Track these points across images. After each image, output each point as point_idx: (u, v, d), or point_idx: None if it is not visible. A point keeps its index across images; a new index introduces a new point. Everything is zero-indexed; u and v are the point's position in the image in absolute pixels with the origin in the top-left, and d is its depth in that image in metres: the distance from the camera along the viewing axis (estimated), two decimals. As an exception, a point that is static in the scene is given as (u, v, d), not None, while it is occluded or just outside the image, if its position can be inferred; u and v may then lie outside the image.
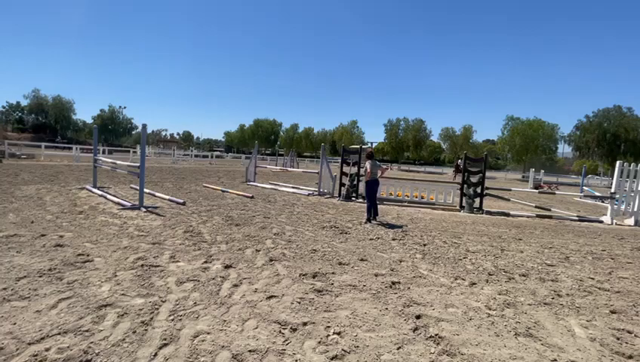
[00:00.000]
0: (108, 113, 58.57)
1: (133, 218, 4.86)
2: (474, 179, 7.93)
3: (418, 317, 2.30)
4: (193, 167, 20.14)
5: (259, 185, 10.72)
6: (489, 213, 7.70)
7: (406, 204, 8.50)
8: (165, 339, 1.84)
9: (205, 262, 3.15)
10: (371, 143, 23.44)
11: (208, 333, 1.94)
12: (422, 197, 8.77)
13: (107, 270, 2.79)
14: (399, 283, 2.94)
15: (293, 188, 10.29)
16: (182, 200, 6.37)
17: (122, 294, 2.36)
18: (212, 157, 31.74)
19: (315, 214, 6.19)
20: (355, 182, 8.63)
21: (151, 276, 2.71)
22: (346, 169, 8.77)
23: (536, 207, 9.42)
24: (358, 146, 9.27)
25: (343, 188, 8.63)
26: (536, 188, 16.23)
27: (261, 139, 66.41)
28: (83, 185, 7.84)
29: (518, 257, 4.07)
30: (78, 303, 2.17)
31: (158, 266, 2.95)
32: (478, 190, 7.85)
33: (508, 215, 7.63)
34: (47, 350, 1.67)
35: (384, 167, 6.53)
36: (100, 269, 2.80)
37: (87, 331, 1.87)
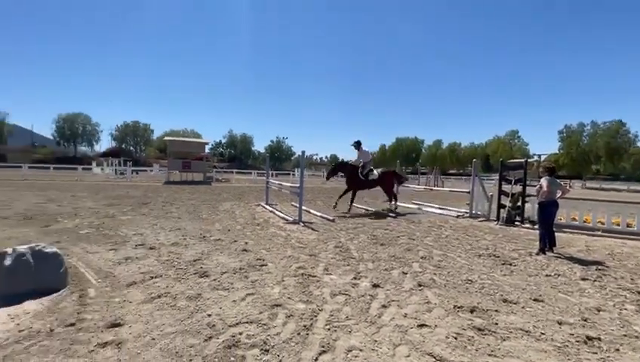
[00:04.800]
0: (275, 143, 71.81)
1: (294, 231, 5.66)
2: None
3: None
4: (340, 187, 21.83)
5: (401, 204, 10.53)
6: None
7: (599, 233, 6.46)
8: (323, 347, 2.01)
9: (354, 278, 3.30)
10: (539, 156, 19.30)
11: (361, 350, 1.99)
12: (628, 225, 6.47)
13: (277, 274, 3.33)
14: (599, 339, 2.21)
15: (439, 208, 9.59)
16: (332, 218, 6.96)
17: (288, 298, 2.74)
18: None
19: (468, 239, 5.52)
20: (520, 204, 7.24)
21: (309, 285, 3.05)
22: (505, 187, 7.51)
23: None
24: (522, 160, 7.78)
25: (502, 210, 7.39)
26: None
27: (402, 158, 65.70)
28: (259, 203, 9.75)
29: None
30: (258, 299, 2.67)
31: (314, 276, 3.29)
32: None
33: None
34: (240, 334, 2.11)
35: (565, 185, 5.21)
36: (272, 273, 3.36)
37: (264, 324, 2.26)
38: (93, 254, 3.81)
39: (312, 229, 5.86)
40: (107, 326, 2.13)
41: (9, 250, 2.54)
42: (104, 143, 62.90)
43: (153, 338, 2.01)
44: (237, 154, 68.40)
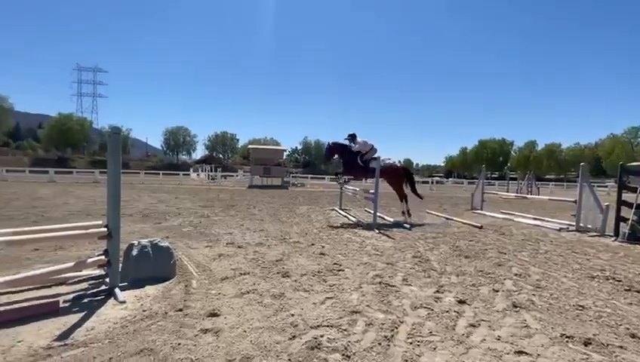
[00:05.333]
0: (347, 148, 72.55)
1: (369, 237, 5.60)
2: None
3: None
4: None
5: (487, 213, 9.54)
6: None
7: None
8: (407, 361, 1.93)
9: (437, 291, 3.10)
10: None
11: (448, 370, 1.86)
12: None
13: (354, 281, 3.33)
14: None
15: (534, 219, 8.39)
16: (408, 225, 6.68)
17: (367, 305, 2.72)
18: (432, 183, 31.69)
19: (575, 257, 4.70)
20: (649, 217, 5.87)
21: (388, 294, 2.98)
22: (628, 197, 6.20)
23: None
24: (652, 164, 6.32)
25: (623, 223, 6.11)
26: None
27: (487, 162, 59.55)
28: (333, 207, 9.93)
29: None
30: (337, 304, 2.71)
31: (393, 286, 3.20)
32: None
33: None
34: (321, 336, 2.17)
35: None
36: (350, 279, 3.38)
37: (345, 330, 2.28)
38: (193, 249, 4.37)
39: (388, 236, 5.71)
40: (207, 315, 2.41)
41: (135, 243, 3.09)
42: (199, 152, 71.98)
43: (244, 331, 2.21)
44: (311, 160, 71.05)
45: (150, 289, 2.85)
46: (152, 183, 20.89)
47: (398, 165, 8.30)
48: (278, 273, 3.47)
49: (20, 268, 3.29)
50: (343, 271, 3.65)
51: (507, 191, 19.72)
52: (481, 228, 6.93)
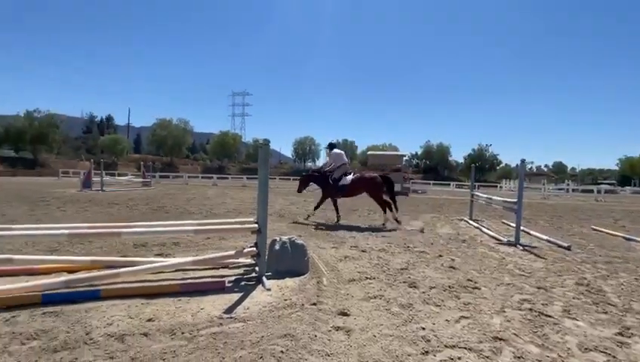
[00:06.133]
0: (476, 152, 64.54)
1: (510, 254, 4.80)
2: None
3: None
4: (571, 204, 16.83)
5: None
6: None
7: None
8: (578, 414, 1.54)
9: (619, 333, 2.37)
10: None
11: None
12: None
13: (494, 302, 2.90)
14: None
15: None
16: (566, 244, 5.40)
17: (514, 334, 2.31)
18: (599, 191, 24.74)
19: None
20: None
21: (543, 326, 2.46)
22: None
23: None
24: None
25: None
26: None
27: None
28: (461, 217, 8.99)
29: None
30: (475, 326, 2.41)
31: (549, 316, 2.62)
32: None
33: None
34: (459, 358, 1.97)
35: None
36: (488, 299, 2.96)
37: (487, 357, 2.00)
38: (322, 249, 4.71)
39: (536, 255, 4.76)
40: (338, 313, 2.54)
41: (277, 239, 3.55)
42: (322, 159, 77.80)
43: (374, 336, 2.21)
44: (433, 165, 66.56)
45: (289, 281, 3.21)
46: (285, 187, 23.77)
47: (374, 174, 7.42)
48: (404, 282, 3.35)
49: (197, 252, 4.26)
50: (479, 289, 3.23)
51: None
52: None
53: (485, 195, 8.09)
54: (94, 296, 2.62)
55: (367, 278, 3.43)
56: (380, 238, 5.65)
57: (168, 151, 59.20)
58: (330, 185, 7.33)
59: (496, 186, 35.19)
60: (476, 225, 7.48)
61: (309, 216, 7.57)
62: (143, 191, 16.59)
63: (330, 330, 2.27)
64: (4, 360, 1.81)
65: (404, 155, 24.61)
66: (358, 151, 76.20)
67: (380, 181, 7.14)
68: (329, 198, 7.47)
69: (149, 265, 3.03)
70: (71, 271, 3.15)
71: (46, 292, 2.56)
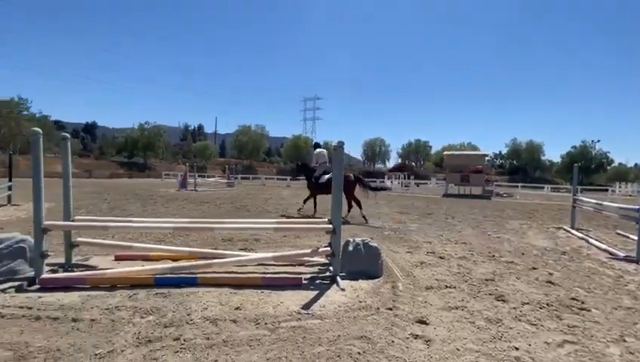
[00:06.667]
0: (578, 150, 55.14)
1: (629, 272, 3.97)
2: None
3: None
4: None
5: None
6: None
7: None
8: None
9: None
10: None
11: None
12: None
13: (610, 328, 2.43)
14: None
15: None
16: None
17: (641, 369, 1.90)
18: None
19: None
20: None
21: (684, 365, 1.97)
22: None
23: None
24: None
25: None
26: None
27: None
28: (559, 225, 7.77)
29: None
30: (584, 354, 2.05)
31: (693, 354, 2.09)
32: None
33: None
34: (564, 389, 1.70)
35: None
36: (602, 325, 2.50)
37: (602, 393, 1.68)
38: (395, 253, 4.57)
39: (670, 276, 3.83)
40: (416, 320, 2.43)
41: (351, 240, 3.57)
42: (392, 160, 75.66)
43: (457, 349, 2.06)
44: (521, 165, 59.05)
45: (362, 283, 3.20)
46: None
47: (348, 174, 7.56)
48: (490, 294, 3.05)
49: (276, 248, 4.54)
50: (589, 311, 2.75)
51: None
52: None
53: (593, 200, 6.85)
54: (192, 282, 3.00)
55: (446, 287, 3.21)
56: (459, 245, 5.24)
57: (248, 154, 64.58)
58: (312, 182, 8.03)
59: (607, 190, 29.46)
60: (580, 235, 6.38)
61: (299, 209, 8.40)
62: (227, 191, 18.39)
63: (407, 337, 2.19)
64: (129, 328, 2.19)
65: (486, 155, 22.34)
66: (433, 151, 72.03)
67: (352, 180, 7.70)
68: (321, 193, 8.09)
69: (235, 258, 3.35)
70: (174, 260, 3.66)
71: (157, 276, 3.02)
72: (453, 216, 9.06)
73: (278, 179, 34.23)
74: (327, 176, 7.59)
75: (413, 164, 73.31)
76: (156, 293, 2.76)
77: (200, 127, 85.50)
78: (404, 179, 32.72)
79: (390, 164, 72.90)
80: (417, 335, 2.21)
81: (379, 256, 3.48)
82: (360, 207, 7.68)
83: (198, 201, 11.56)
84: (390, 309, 2.61)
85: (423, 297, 2.93)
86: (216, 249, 4.11)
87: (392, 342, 2.11)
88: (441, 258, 4.37)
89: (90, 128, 71.03)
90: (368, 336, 2.16)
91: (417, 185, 28.59)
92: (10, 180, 9.22)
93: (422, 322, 2.41)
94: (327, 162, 8.06)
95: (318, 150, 8.34)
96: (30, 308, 2.43)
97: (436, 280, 3.42)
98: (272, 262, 3.63)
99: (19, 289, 2.77)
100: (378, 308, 2.62)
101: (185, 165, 19.92)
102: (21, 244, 3.11)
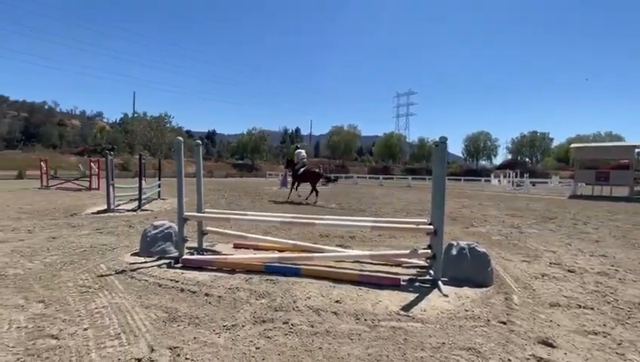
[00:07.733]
0: None
1: None
2: None
3: None
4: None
5: None
6: None
7: None
8: None
9: None
10: None
11: None
12: None
13: None
14: None
15: None
16: None
17: None
18: None
19: None
20: None
21: None
22: None
23: None
24: None
25: None
26: None
27: None
28: None
29: None
30: None
31: None
32: None
33: None
34: None
35: None
36: None
37: None
38: (507, 261, 4.04)
39: None
40: (538, 341, 2.10)
41: (454, 243, 3.31)
42: (500, 156, 66.53)
43: (599, 383, 1.70)
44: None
45: (468, 291, 2.93)
46: (454, 188, 21.87)
47: (314, 169, 12.14)
48: (646, 322, 2.41)
49: (371, 247, 4.54)
50: None
51: None
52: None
53: None
54: (296, 272, 3.26)
55: (579, 306, 2.67)
56: (596, 258, 4.28)
57: (340, 154, 66.29)
58: (294, 173, 11.49)
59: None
60: None
61: (288, 196, 11.57)
62: (321, 189, 19.26)
63: (528, 359, 1.91)
64: (247, 307, 2.52)
65: (636, 146, 17.45)
66: (555, 144, 60.66)
67: (316, 173, 11.48)
68: (309, 185, 11.28)
69: (334, 254, 3.49)
70: (280, 250, 4.05)
71: (267, 264, 3.39)
72: (586, 223, 7.44)
73: (370, 178, 34.13)
74: (302, 169, 11.23)
75: (526, 159, 63.18)
76: (267, 279, 3.11)
77: (297, 130, 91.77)
78: (516, 177, 28.47)
79: (497, 161, 64.48)
80: (541, 358, 1.91)
81: (488, 263, 3.13)
82: (317, 195, 10.98)
83: (295, 199, 12.46)
84: (504, 323, 2.33)
85: (546, 315, 2.50)
86: (315, 243, 4.37)
87: (509, 360, 1.88)
88: (570, 271, 3.65)
89: (210, 135, 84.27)
90: (478, 349, 1.98)
91: (533, 185, 24.44)
92: (159, 179, 11.65)
93: (546, 344, 2.07)
94: (304, 158, 11.63)
95: (297, 151, 11.85)
96: (177, 281, 3.04)
97: (564, 296, 2.88)
98: (369, 260, 3.65)
99: (169, 266, 3.49)
100: (488, 320, 2.37)
101: (284, 166, 21.71)
102: (169, 230, 3.92)
